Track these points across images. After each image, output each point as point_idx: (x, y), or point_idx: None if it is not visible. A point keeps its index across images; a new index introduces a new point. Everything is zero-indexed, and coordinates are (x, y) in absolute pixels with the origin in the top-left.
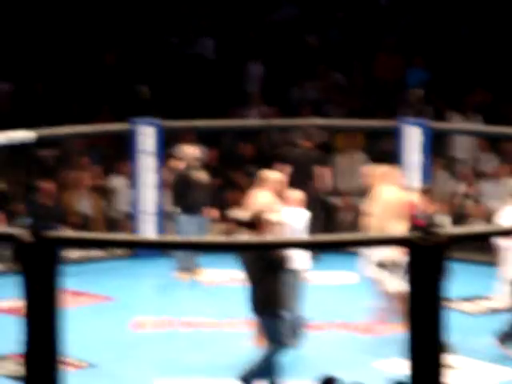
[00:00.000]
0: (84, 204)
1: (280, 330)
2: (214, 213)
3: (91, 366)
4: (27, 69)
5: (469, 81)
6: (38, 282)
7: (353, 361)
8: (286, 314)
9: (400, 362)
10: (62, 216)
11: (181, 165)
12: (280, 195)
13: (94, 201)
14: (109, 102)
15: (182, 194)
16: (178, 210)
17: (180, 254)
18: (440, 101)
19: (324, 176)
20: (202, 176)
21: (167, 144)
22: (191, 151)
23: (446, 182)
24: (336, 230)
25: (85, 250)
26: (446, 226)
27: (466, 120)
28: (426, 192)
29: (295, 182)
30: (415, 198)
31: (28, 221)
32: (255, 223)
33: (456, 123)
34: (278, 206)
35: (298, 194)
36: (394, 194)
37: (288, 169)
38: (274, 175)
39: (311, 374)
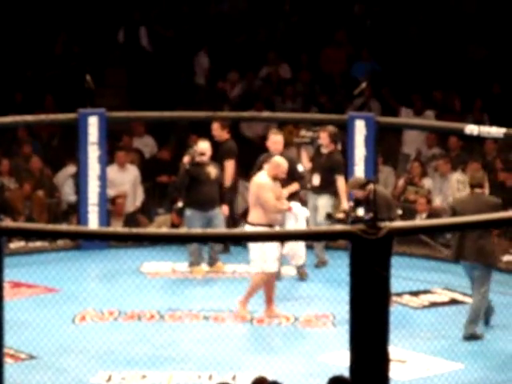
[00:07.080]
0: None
1: None
2: (225, 209)
3: (31, 357)
4: None
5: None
6: None
7: (298, 354)
8: None
9: (345, 356)
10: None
11: (186, 159)
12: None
13: (39, 192)
14: (53, 92)
15: (190, 189)
16: (185, 205)
17: (191, 248)
18: (388, 94)
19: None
20: (212, 171)
21: (114, 135)
22: (205, 146)
23: (390, 177)
24: None
25: (28, 240)
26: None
27: (416, 116)
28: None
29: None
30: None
31: None
32: None
33: (405, 118)
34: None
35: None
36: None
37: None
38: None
39: (259, 367)
